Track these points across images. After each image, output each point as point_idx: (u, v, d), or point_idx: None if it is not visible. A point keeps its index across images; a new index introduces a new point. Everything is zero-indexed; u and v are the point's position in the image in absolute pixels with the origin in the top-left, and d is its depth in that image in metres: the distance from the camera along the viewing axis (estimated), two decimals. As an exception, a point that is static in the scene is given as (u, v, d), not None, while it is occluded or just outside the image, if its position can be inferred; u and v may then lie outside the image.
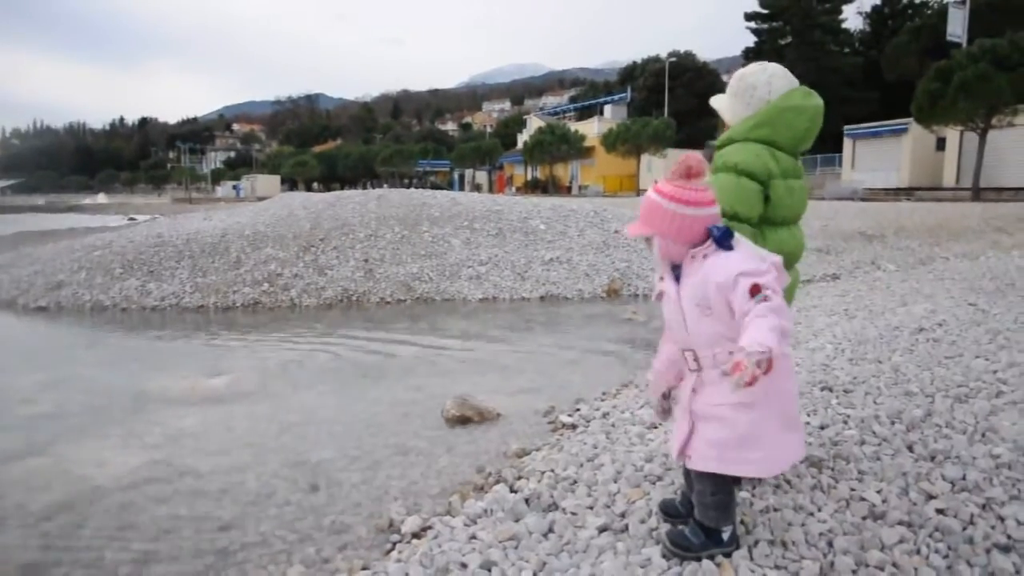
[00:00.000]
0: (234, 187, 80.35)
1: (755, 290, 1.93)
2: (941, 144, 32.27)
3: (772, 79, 2.61)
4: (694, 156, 2.12)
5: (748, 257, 2.03)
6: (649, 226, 2.12)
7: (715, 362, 2.08)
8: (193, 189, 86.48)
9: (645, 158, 45.25)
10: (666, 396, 2.41)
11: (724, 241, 2.04)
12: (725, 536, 2.20)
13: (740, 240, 2.10)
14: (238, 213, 13.91)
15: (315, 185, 79.12)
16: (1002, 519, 2.23)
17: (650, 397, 2.44)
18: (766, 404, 2.04)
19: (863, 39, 52.28)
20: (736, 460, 2.09)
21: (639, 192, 43.60)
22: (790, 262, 2.54)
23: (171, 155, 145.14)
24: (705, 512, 2.18)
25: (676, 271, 2.17)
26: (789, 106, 2.55)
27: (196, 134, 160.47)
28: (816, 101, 2.60)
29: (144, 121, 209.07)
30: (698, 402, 2.16)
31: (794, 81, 2.64)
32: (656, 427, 3.52)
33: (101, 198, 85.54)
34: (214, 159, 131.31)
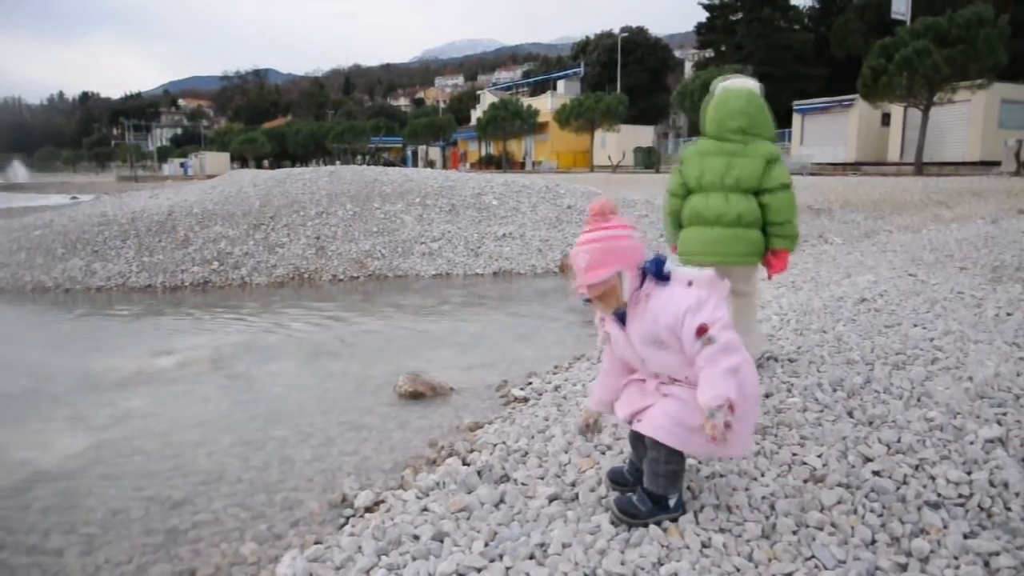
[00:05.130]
0: (182, 165, 78.39)
1: (700, 330, 2.01)
2: (886, 120, 32.94)
3: (718, 85, 3.40)
4: (604, 199, 2.20)
5: (686, 291, 2.11)
6: (608, 265, 2.10)
7: (686, 382, 2.16)
8: (139, 167, 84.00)
9: (598, 133, 45.34)
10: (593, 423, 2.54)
11: (660, 273, 2.13)
12: (672, 503, 2.25)
13: (670, 264, 2.17)
14: (185, 191, 13.61)
15: (265, 162, 77.65)
16: (933, 478, 2.33)
17: (585, 423, 2.55)
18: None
19: (812, 16, 52.88)
20: (684, 437, 2.15)
21: (592, 168, 43.72)
22: (700, 221, 3.28)
23: (115, 132, 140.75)
24: (655, 480, 2.23)
25: (616, 313, 2.23)
26: (708, 103, 3.39)
27: (140, 110, 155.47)
28: (725, 93, 3.34)
29: (85, 96, 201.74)
30: (663, 389, 2.23)
31: (748, 85, 3.36)
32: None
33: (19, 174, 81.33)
34: (160, 136, 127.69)
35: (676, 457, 2.21)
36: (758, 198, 3.23)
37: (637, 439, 2.37)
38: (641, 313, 2.15)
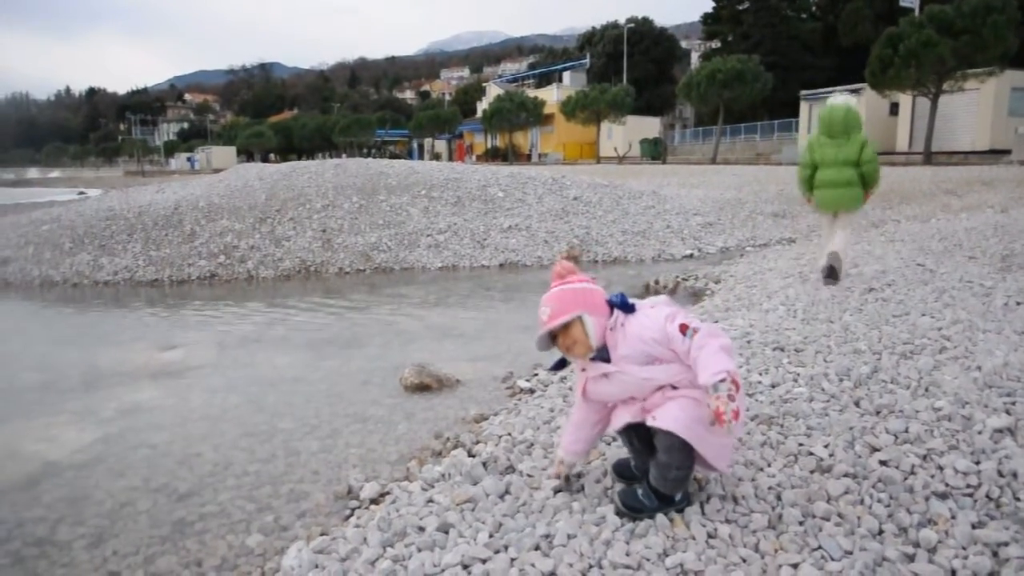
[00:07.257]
0: (188, 159, 78.67)
1: (683, 328, 2.12)
2: (894, 109, 32.67)
3: (828, 101, 5.61)
4: (563, 263, 2.31)
5: (653, 309, 2.24)
6: (567, 311, 2.22)
7: (691, 386, 2.16)
8: (146, 162, 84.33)
9: (605, 125, 45.19)
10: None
11: (626, 306, 2.25)
12: (677, 496, 2.23)
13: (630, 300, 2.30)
14: (192, 185, 13.63)
15: (272, 156, 77.67)
16: (941, 468, 2.31)
17: (566, 477, 2.53)
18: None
19: (820, 5, 52.45)
20: (700, 435, 2.11)
21: (599, 160, 43.61)
22: (827, 185, 5.57)
23: (121, 127, 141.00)
24: (664, 482, 2.20)
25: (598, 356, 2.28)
26: (822, 112, 5.64)
27: (147, 105, 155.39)
28: (830, 110, 5.50)
29: (92, 92, 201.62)
30: (668, 394, 2.21)
31: (842, 102, 5.51)
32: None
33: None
34: (166, 131, 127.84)
35: (689, 462, 2.17)
36: (858, 168, 5.40)
37: (642, 448, 2.33)
38: (622, 339, 2.21)
